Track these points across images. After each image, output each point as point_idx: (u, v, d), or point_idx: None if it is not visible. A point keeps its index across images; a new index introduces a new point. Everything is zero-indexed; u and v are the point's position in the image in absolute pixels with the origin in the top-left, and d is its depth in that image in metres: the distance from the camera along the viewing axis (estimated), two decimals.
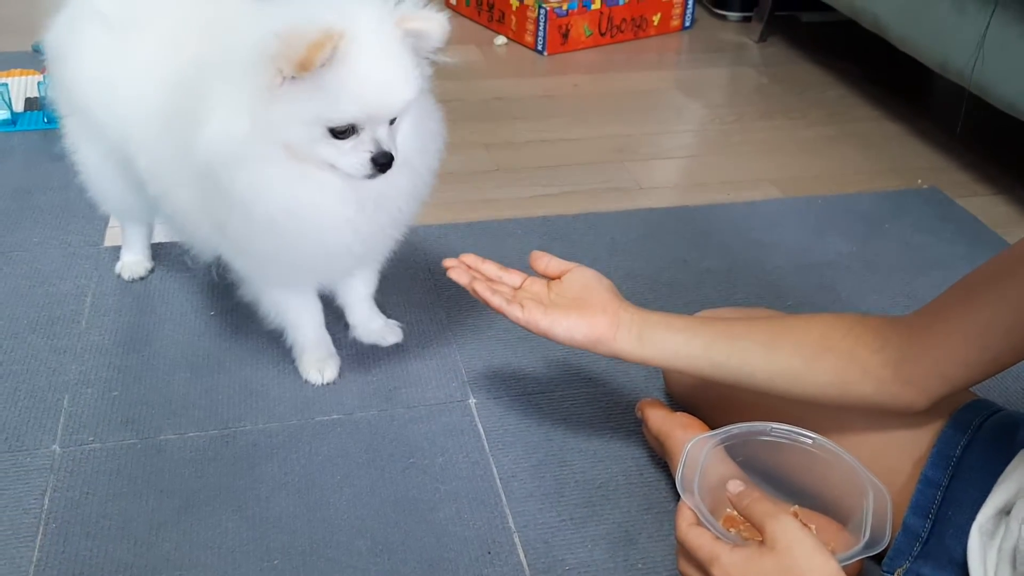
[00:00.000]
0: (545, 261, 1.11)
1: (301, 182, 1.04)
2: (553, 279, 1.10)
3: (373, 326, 1.37)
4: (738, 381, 1.03)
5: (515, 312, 1.05)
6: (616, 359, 1.06)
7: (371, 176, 1.04)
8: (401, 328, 1.38)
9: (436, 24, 1.03)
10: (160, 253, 1.53)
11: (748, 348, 1.01)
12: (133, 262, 1.50)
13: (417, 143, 1.11)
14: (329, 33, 0.93)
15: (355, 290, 1.34)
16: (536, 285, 1.10)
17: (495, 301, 1.06)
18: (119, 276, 1.49)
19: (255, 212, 1.06)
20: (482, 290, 1.07)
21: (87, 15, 1.23)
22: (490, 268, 1.12)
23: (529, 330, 1.05)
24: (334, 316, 1.35)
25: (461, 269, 1.10)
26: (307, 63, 0.93)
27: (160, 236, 1.51)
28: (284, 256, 1.13)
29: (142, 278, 1.49)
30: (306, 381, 1.30)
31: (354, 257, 1.17)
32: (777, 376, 1.00)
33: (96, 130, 1.27)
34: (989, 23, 1.69)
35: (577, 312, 1.05)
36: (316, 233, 1.09)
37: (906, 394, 0.94)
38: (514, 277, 1.11)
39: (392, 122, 1.05)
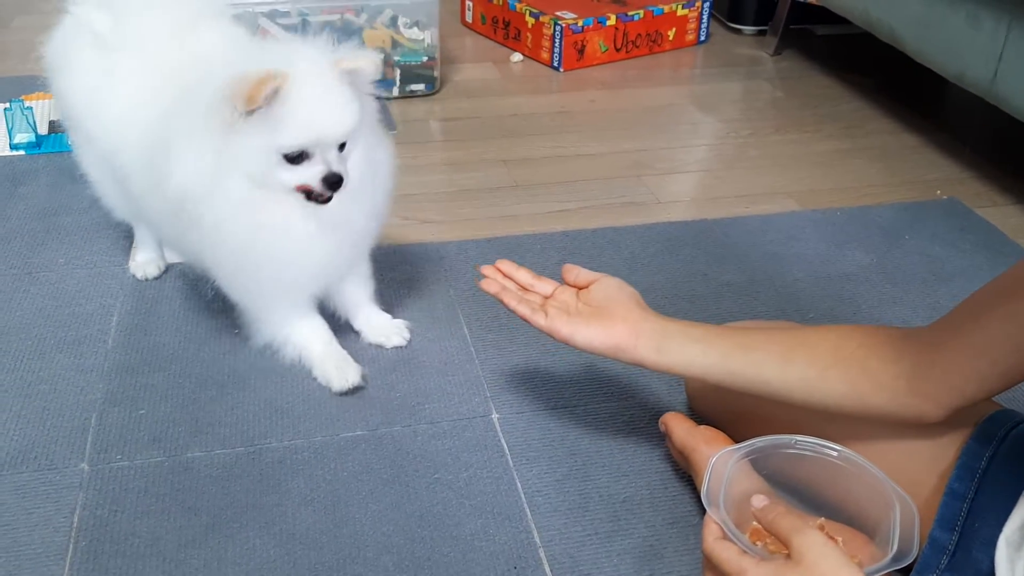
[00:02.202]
0: (575, 273, 1.14)
1: (265, 207, 1.18)
2: (582, 289, 1.13)
3: (375, 322, 1.42)
4: (754, 390, 1.04)
5: (539, 320, 1.09)
6: (637, 368, 1.08)
7: (324, 193, 1.17)
8: (409, 327, 1.42)
9: (368, 62, 1.17)
10: (184, 272, 1.55)
11: (763, 359, 1.03)
12: (146, 261, 1.55)
13: (368, 168, 1.23)
14: (272, 73, 1.09)
15: (351, 296, 1.41)
16: (565, 294, 1.13)
17: (521, 309, 1.10)
18: (133, 275, 1.54)
19: (225, 239, 1.20)
20: (509, 299, 1.11)
21: (82, 32, 1.34)
22: (523, 275, 1.16)
23: (552, 337, 1.08)
24: (343, 332, 1.36)
25: (492, 279, 1.14)
26: (254, 97, 1.08)
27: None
28: (258, 276, 1.27)
29: (156, 277, 1.55)
30: (333, 391, 1.31)
31: (323, 269, 1.30)
32: (792, 386, 1.01)
33: (90, 141, 1.38)
34: (1008, 35, 1.70)
35: (598, 321, 1.08)
36: (281, 250, 1.23)
37: (919, 406, 0.95)
38: (546, 286, 1.15)
39: (342, 149, 1.18)
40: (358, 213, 1.25)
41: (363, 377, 1.33)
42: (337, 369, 1.32)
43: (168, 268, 1.57)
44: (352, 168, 1.19)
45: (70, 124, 1.44)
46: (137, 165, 1.28)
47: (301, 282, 1.30)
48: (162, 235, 1.43)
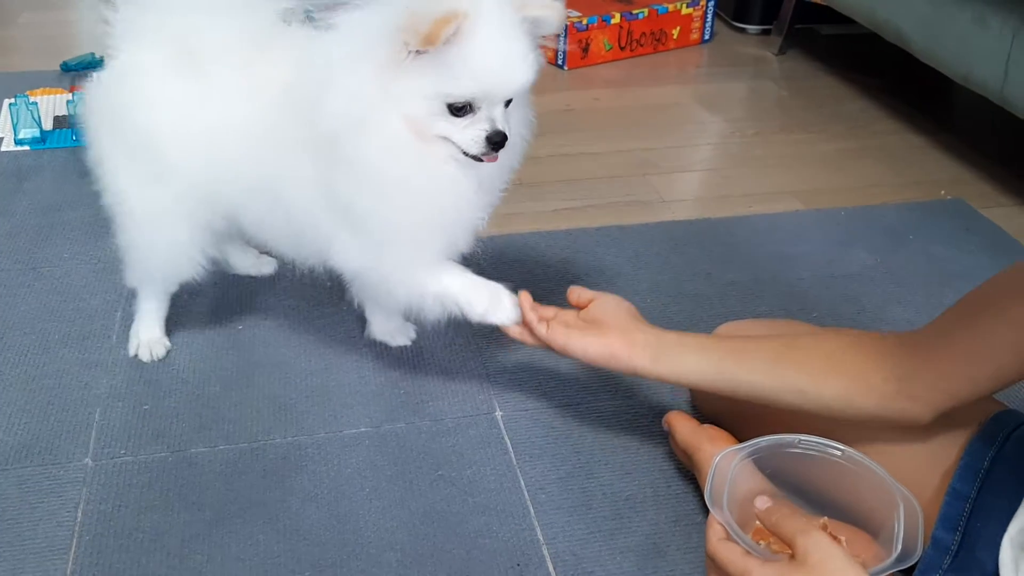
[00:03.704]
0: (577, 293, 1.19)
1: (422, 156, 1.09)
2: (583, 308, 1.17)
3: (389, 326, 1.40)
4: (749, 396, 1.06)
5: (540, 330, 1.14)
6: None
7: (484, 153, 1.08)
8: (415, 330, 1.41)
9: (553, 11, 1.06)
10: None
11: (756, 366, 1.05)
12: (152, 340, 1.38)
13: (522, 127, 1.16)
14: (455, 11, 0.98)
15: None
16: (567, 315, 1.17)
17: (528, 315, 1.15)
18: (136, 357, 1.37)
19: (385, 176, 1.10)
20: (513, 331, 1.18)
21: (149, 64, 1.19)
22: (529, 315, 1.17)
23: (550, 347, 1.13)
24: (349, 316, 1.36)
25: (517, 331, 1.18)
26: (432, 37, 0.98)
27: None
28: (413, 227, 1.15)
29: (162, 359, 1.37)
30: (488, 322, 1.20)
31: (468, 232, 1.20)
32: (783, 391, 1.03)
33: (171, 181, 1.22)
34: (1015, 37, 1.69)
35: (594, 332, 1.12)
36: (441, 205, 1.13)
37: (911, 409, 0.96)
38: (547, 311, 1.18)
39: (508, 104, 1.09)
40: (505, 170, 1.18)
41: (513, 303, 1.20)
42: (491, 296, 1.20)
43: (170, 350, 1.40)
44: (513, 129, 1.10)
45: (131, 161, 1.23)
46: (252, 155, 1.16)
47: (454, 238, 1.19)
48: (295, 246, 1.26)
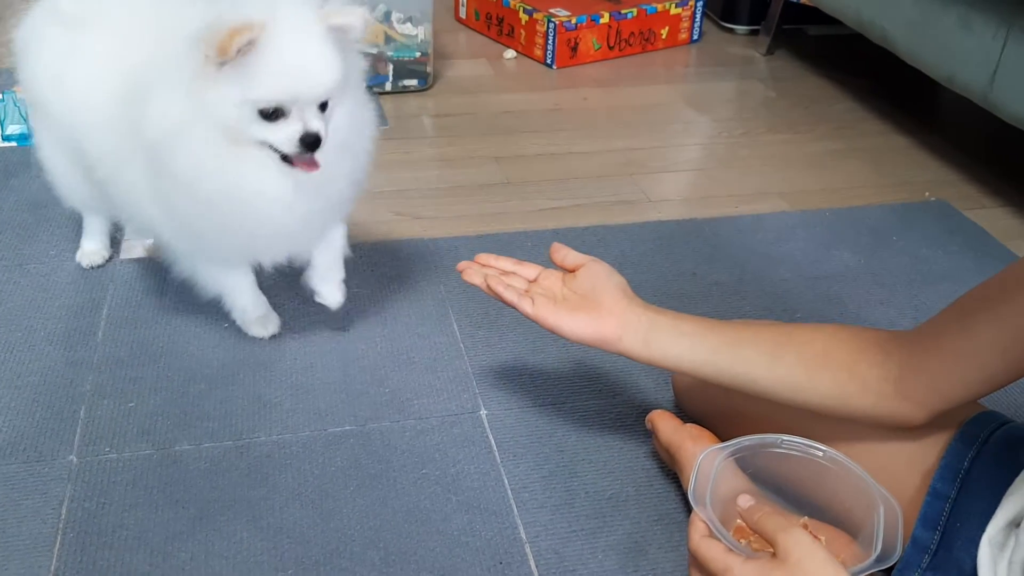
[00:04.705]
0: (563, 254, 1.12)
1: (240, 162, 1.14)
2: (569, 272, 1.11)
3: (329, 279, 1.37)
4: (741, 387, 1.04)
5: (526, 307, 1.07)
6: (625, 365, 1.09)
7: (298, 154, 1.13)
8: (343, 293, 1.37)
9: (356, 18, 1.13)
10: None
11: (752, 357, 1.02)
12: (92, 251, 1.57)
13: (352, 129, 1.20)
14: (248, 23, 1.04)
15: (320, 268, 1.36)
16: (550, 279, 1.12)
17: (507, 295, 1.08)
18: (79, 264, 1.56)
19: (196, 190, 1.16)
20: (495, 284, 1.09)
21: (49, 15, 1.33)
22: (505, 263, 1.14)
23: (538, 324, 1.07)
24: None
25: (474, 269, 1.13)
26: (225, 47, 1.04)
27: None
28: (224, 234, 1.23)
29: (100, 266, 1.56)
30: (251, 335, 1.39)
31: (291, 238, 1.27)
32: (779, 385, 1.01)
33: (52, 123, 1.36)
34: (1005, 38, 1.70)
35: (585, 311, 1.06)
36: (254, 211, 1.18)
37: (905, 409, 0.95)
38: (529, 270, 1.14)
39: (324, 108, 1.14)
40: (338, 175, 1.21)
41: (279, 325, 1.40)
42: (259, 319, 1.40)
43: (111, 257, 1.58)
44: (335, 128, 1.15)
45: (33, 110, 1.43)
46: (101, 124, 1.23)
47: (272, 245, 1.27)
48: (123, 211, 1.36)
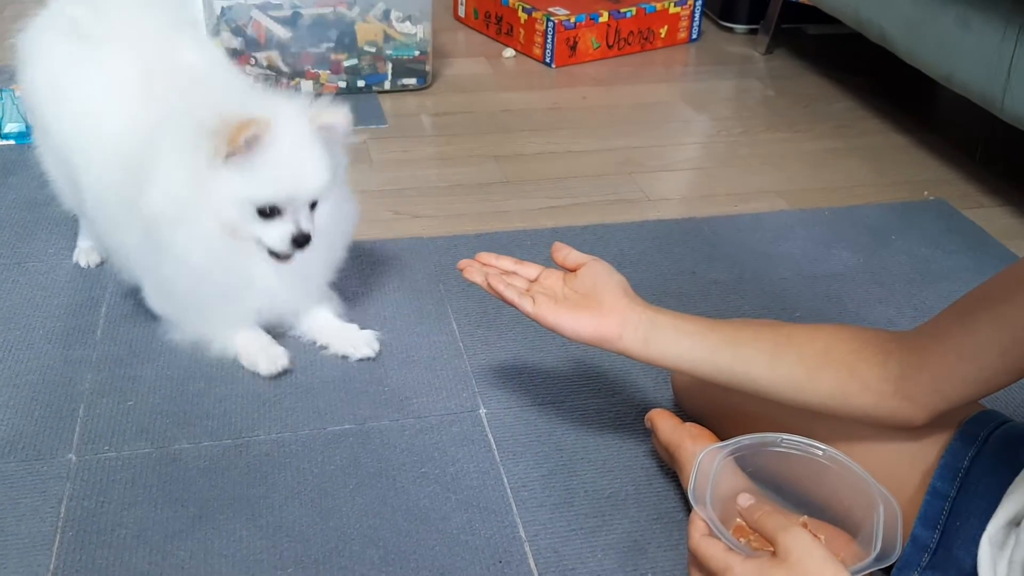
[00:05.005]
0: (564, 253, 1.12)
1: (232, 253, 1.21)
2: (570, 271, 1.11)
3: (345, 335, 1.39)
4: (742, 387, 1.04)
5: (526, 306, 1.06)
6: (625, 364, 1.08)
7: (287, 253, 1.21)
8: (379, 338, 1.39)
9: (341, 118, 1.21)
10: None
11: (752, 357, 1.02)
12: (89, 248, 1.56)
13: (333, 222, 1.27)
14: (256, 119, 1.11)
15: (312, 320, 1.40)
16: (551, 278, 1.11)
17: (508, 294, 1.08)
18: (76, 263, 1.56)
19: (189, 266, 1.22)
20: (496, 283, 1.08)
21: (57, 22, 1.35)
22: (506, 262, 1.14)
23: (538, 323, 1.07)
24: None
25: (475, 268, 1.12)
26: (233, 139, 1.10)
27: None
28: (209, 301, 1.30)
29: (98, 264, 1.55)
30: (261, 376, 1.32)
31: (278, 309, 1.34)
32: (779, 385, 1.01)
33: (48, 135, 1.38)
34: (1001, 38, 1.70)
35: (586, 310, 1.06)
36: (241, 294, 1.28)
37: (905, 409, 0.95)
38: (530, 270, 1.13)
39: (313, 206, 1.22)
40: (318, 265, 1.31)
41: (291, 360, 1.34)
42: (263, 351, 1.33)
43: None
44: (320, 224, 1.23)
45: (33, 116, 1.44)
46: (98, 170, 1.27)
47: (248, 318, 1.34)
48: (101, 237, 1.43)
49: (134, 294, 1.49)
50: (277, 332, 1.38)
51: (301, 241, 1.20)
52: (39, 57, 1.36)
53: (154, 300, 1.35)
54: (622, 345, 1.05)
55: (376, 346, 1.38)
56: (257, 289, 1.27)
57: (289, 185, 1.18)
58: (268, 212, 1.18)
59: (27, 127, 1.95)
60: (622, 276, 1.10)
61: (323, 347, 1.38)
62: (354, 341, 1.37)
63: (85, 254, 1.56)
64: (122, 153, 1.24)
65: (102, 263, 1.55)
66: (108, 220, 1.31)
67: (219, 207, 1.18)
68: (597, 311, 1.06)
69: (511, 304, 1.08)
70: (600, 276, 1.09)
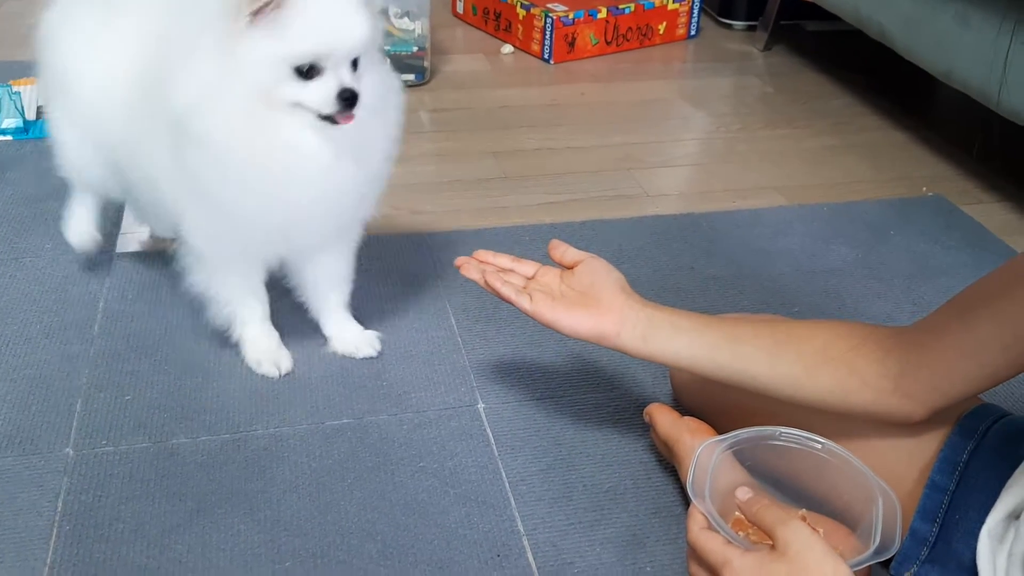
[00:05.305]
0: (561, 250, 1.12)
1: (274, 125, 1.10)
2: (567, 268, 1.11)
3: (347, 336, 1.38)
4: (741, 384, 1.04)
5: (524, 303, 1.07)
6: (623, 359, 1.08)
7: (338, 112, 1.09)
8: (380, 339, 1.39)
9: None
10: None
11: (751, 354, 1.02)
12: (82, 232, 1.51)
13: (381, 92, 1.16)
14: None
15: (328, 300, 1.37)
16: (548, 275, 1.11)
17: (505, 291, 1.08)
18: (73, 247, 1.52)
19: (228, 160, 1.11)
20: (493, 280, 1.09)
21: (78, 2, 1.31)
22: (503, 260, 1.14)
23: (536, 321, 1.07)
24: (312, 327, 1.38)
25: (472, 265, 1.12)
26: None
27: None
28: (255, 209, 1.16)
29: (91, 245, 1.52)
30: (261, 374, 1.32)
31: (325, 211, 1.20)
32: (779, 382, 1.01)
33: (74, 106, 1.33)
34: (997, 34, 1.70)
35: (583, 307, 1.06)
36: (289, 176, 1.13)
37: (905, 406, 0.95)
38: (527, 267, 1.13)
39: (355, 67, 1.11)
40: (373, 138, 1.18)
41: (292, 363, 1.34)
42: (270, 354, 1.33)
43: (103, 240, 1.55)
44: (366, 91, 1.11)
45: (56, 94, 1.37)
46: (125, 106, 1.21)
47: (303, 221, 1.20)
48: (142, 198, 1.35)
49: (132, 289, 1.49)
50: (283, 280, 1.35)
51: (348, 97, 1.08)
52: (65, 29, 1.31)
53: (194, 233, 1.23)
54: (620, 342, 1.05)
55: (378, 346, 1.37)
56: (310, 165, 1.13)
57: (328, 37, 1.07)
58: (306, 72, 1.07)
59: (24, 122, 1.95)
60: (620, 273, 1.10)
61: (323, 343, 1.38)
62: (356, 342, 1.37)
63: (77, 235, 1.50)
64: (145, 74, 1.17)
65: (95, 246, 1.51)
66: (136, 156, 1.24)
67: (253, 75, 1.07)
68: (595, 308, 1.06)
69: (508, 301, 1.08)
70: (598, 273, 1.09)
